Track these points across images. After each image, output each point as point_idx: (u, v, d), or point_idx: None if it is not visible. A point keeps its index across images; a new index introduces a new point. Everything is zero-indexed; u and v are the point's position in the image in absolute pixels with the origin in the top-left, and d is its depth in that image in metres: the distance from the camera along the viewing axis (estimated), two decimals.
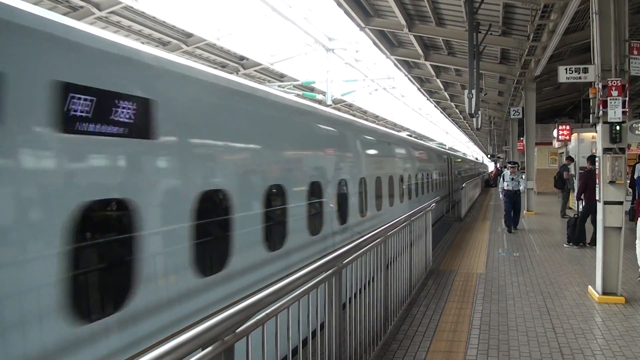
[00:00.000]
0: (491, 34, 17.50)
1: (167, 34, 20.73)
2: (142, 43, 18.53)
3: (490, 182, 55.42)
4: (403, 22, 18.16)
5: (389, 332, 6.58)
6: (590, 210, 12.76)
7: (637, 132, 11.55)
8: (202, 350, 2.52)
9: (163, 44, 20.79)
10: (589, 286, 8.82)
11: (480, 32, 16.68)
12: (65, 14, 16.31)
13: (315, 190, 8.22)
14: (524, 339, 6.47)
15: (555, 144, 29.00)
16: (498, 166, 58.73)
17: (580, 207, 13.66)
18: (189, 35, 21.47)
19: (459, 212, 21.95)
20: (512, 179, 17.56)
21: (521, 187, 17.66)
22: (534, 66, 20.01)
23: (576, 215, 13.68)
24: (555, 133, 27.91)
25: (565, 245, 13.43)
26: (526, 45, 17.44)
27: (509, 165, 18.70)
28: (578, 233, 13.30)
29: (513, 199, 17.34)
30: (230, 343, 2.74)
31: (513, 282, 9.57)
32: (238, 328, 2.84)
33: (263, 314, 3.13)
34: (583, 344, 6.31)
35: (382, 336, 6.22)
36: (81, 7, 17.18)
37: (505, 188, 17.69)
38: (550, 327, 6.95)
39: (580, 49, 19.14)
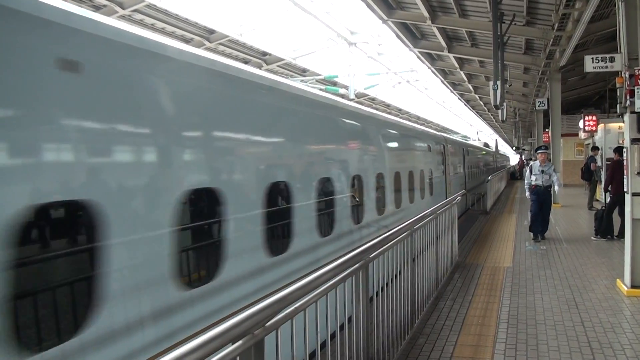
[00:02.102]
0: (515, 24, 17.32)
1: (190, 30, 20.86)
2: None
3: (515, 174, 54.72)
4: (426, 14, 18.06)
5: (416, 325, 6.57)
6: (617, 202, 12.59)
7: None
8: (233, 344, 2.55)
9: (186, 41, 20.91)
10: (618, 279, 8.71)
11: (504, 23, 16.53)
12: None
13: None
14: (553, 333, 6.42)
15: (582, 135, 28.63)
16: (523, 158, 58.08)
17: (608, 198, 13.47)
18: (212, 31, 21.58)
19: (484, 205, 21.79)
20: (542, 171, 13.43)
21: (556, 185, 13.64)
22: (559, 56, 19.79)
23: (603, 208, 13.50)
24: (581, 124, 27.55)
25: (592, 238, 13.26)
26: (551, 35, 17.24)
27: (538, 152, 14.02)
28: (605, 225, 13.12)
29: (542, 198, 13.51)
30: (260, 337, 2.77)
31: (540, 275, 9.49)
32: (267, 322, 2.87)
33: (292, 308, 3.16)
34: (612, 338, 6.24)
35: (409, 330, 6.22)
36: (104, 5, 17.37)
37: (533, 183, 13.60)
38: (579, 321, 6.88)
39: (606, 38, 18.90)
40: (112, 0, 17.28)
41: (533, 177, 13.59)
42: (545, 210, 13.64)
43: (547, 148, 14.35)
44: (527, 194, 13.99)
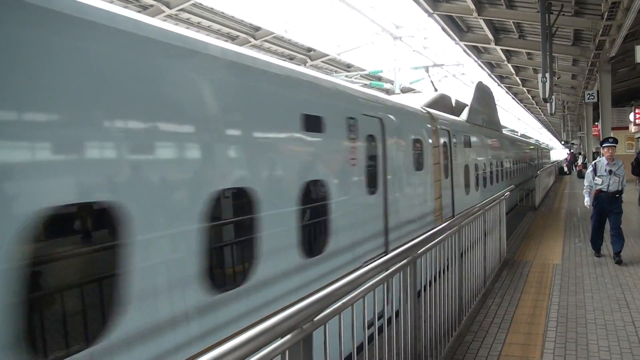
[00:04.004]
0: (564, 14, 17.02)
1: (236, 28, 21.12)
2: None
3: (564, 170, 53.05)
4: (472, 6, 17.89)
5: (463, 323, 6.54)
6: None
7: None
8: (281, 338, 2.60)
9: (232, 38, 21.16)
10: None
11: (552, 13, 16.26)
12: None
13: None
14: (603, 333, 6.30)
15: (632, 128, 27.91)
16: (572, 152, 56.71)
17: None
18: (257, 28, 21.79)
19: (533, 201, 21.44)
20: (610, 171, 10.06)
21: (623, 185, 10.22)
22: (609, 47, 19.31)
23: None
24: (631, 117, 26.85)
25: None
26: (600, 24, 16.85)
27: (605, 145, 10.41)
28: None
29: (608, 207, 10.23)
30: (309, 331, 2.82)
31: (590, 273, 9.31)
32: (316, 317, 2.92)
33: (340, 303, 3.20)
34: None
35: (456, 327, 6.20)
36: (151, 5, 17.69)
37: (598, 187, 10.23)
38: (630, 321, 6.73)
39: None
40: (159, 0, 17.61)
41: (598, 180, 10.21)
42: (616, 222, 10.30)
43: (616, 141, 10.54)
44: (586, 200, 10.68)
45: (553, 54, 18.18)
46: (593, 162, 10.87)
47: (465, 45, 24.17)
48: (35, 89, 3.02)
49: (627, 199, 20.78)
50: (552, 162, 51.09)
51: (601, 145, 10.91)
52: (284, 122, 5.44)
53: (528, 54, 25.71)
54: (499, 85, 36.93)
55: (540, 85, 16.85)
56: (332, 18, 31.62)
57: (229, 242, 4.82)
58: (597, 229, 10.53)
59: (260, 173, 4.90)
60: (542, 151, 46.90)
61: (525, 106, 54.42)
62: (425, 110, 11.20)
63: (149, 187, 3.74)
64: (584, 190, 10.72)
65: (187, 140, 4.15)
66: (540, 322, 6.74)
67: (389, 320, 4.27)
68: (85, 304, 3.43)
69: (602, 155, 10.45)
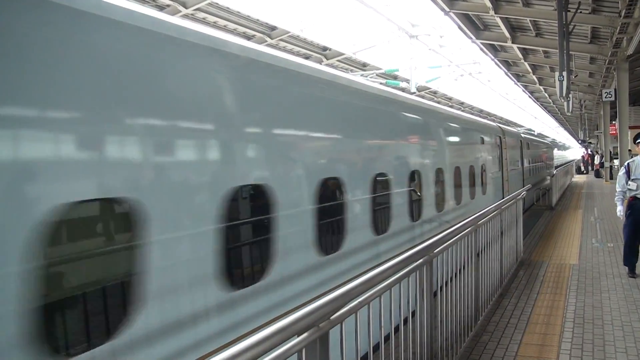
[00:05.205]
0: (581, 12, 16.89)
1: (252, 27, 21.18)
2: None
3: (581, 169, 52.47)
4: (488, 4, 17.81)
5: (479, 322, 6.53)
6: None
7: None
8: (298, 336, 2.62)
9: (247, 38, 21.22)
10: None
11: (569, 11, 16.15)
12: None
13: None
14: (620, 334, 6.26)
15: None
16: (590, 152, 56.15)
17: None
18: (273, 27, 21.85)
19: (549, 200, 21.30)
20: None
21: None
22: (626, 45, 19.16)
23: None
24: None
25: None
26: (618, 22, 16.73)
27: (639, 142, 8.95)
28: None
29: None
30: (325, 330, 2.83)
31: (608, 273, 9.24)
32: (332, 315, 2.93)
33: (356, 302, 3.22)
34: None
35: (472, 327, 6.18)
36: (168, 5, 17.80)
37: (633, 194, 8.73)
38: None
39: None
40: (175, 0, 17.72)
41: (632, 185, 8.68)
42: None
43: None
44: (619, 210, 9.14)
45: (570, 52, 18.06)
46: (626, 163, 9.19)
47: (481, 43, 24.05)
48: None
49: None
50: (566, 163, 44.50)
51: (634, 141, 9.23)
52: None
53: (545, 52, 25.53)
54: (515, 83, 36.71)
55: (557, 83, 16.75)
56: (348, 17, 31.64)
57: None
58: (631, 244, 9.03)
59: None
60: (537, 150, 27.19)
61: (542, 104, 54.01)
62: None
63: None
64: (616, 197, 9.14)
65: None
66: (556, 322, 6.71)
67: (405, 319, 4.28)
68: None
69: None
